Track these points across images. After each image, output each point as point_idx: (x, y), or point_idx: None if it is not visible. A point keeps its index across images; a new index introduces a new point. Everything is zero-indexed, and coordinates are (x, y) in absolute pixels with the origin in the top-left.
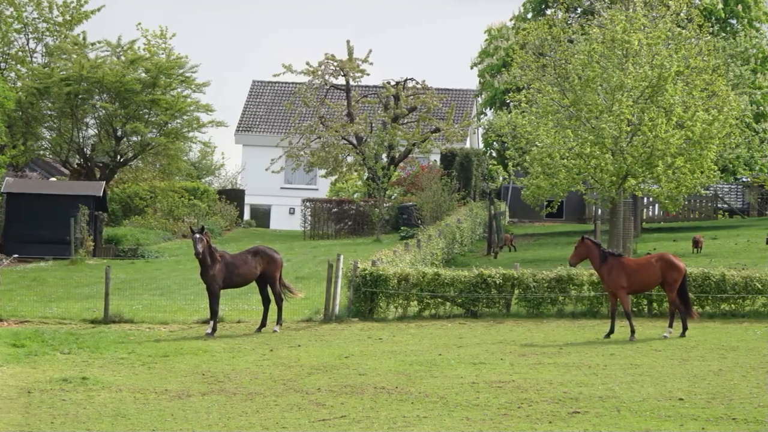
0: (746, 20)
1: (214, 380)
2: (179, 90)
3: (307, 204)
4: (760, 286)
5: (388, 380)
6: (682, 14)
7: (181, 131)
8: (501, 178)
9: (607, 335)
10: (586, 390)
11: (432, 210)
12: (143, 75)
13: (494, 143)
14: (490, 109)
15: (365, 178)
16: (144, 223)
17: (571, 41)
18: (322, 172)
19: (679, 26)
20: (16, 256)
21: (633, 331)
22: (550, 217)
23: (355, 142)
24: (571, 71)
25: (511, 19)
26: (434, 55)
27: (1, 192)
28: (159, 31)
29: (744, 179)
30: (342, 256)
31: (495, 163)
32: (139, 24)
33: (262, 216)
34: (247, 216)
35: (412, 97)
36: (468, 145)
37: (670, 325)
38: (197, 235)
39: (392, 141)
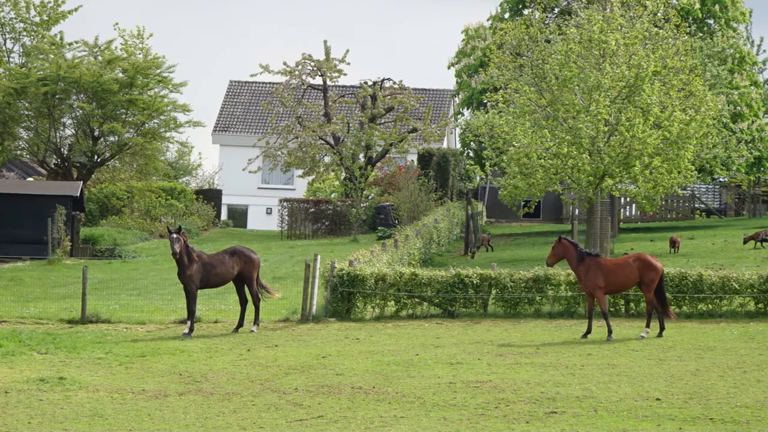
0: (723, 20)
1: (191, 380)
2: (156, 90)
3: (285, 204)
4: (737, 286)
5: (366, 380)
6: (659, 14)
7: (158, 131)
8: (478, 178)
9: (585, 335)
10: (563, 390)
11: (409, 210)
12: (120, 75)
13: (471, 143)
14: (468, 109)
15: (342, 178)
16: (121, 223)
17: (548, 41)
18: (300, 172)
19: (656, 26)
20: None
21: (610, 331)
22: (528, 217)
23: (332, 142)
24: (548, 71)
25: (488, 19)
26: (411, 55)
27: None
28: (136, 31)
29: (721, 179)
30: (319, 256)
31: (472, 163)
32: (117, 24)
33: (239, 216)
34: (224, 216)
35: (389, 97)
36: (445, 145)
37: (648, 325)
38: (174, 235)
39: (369, 141)
